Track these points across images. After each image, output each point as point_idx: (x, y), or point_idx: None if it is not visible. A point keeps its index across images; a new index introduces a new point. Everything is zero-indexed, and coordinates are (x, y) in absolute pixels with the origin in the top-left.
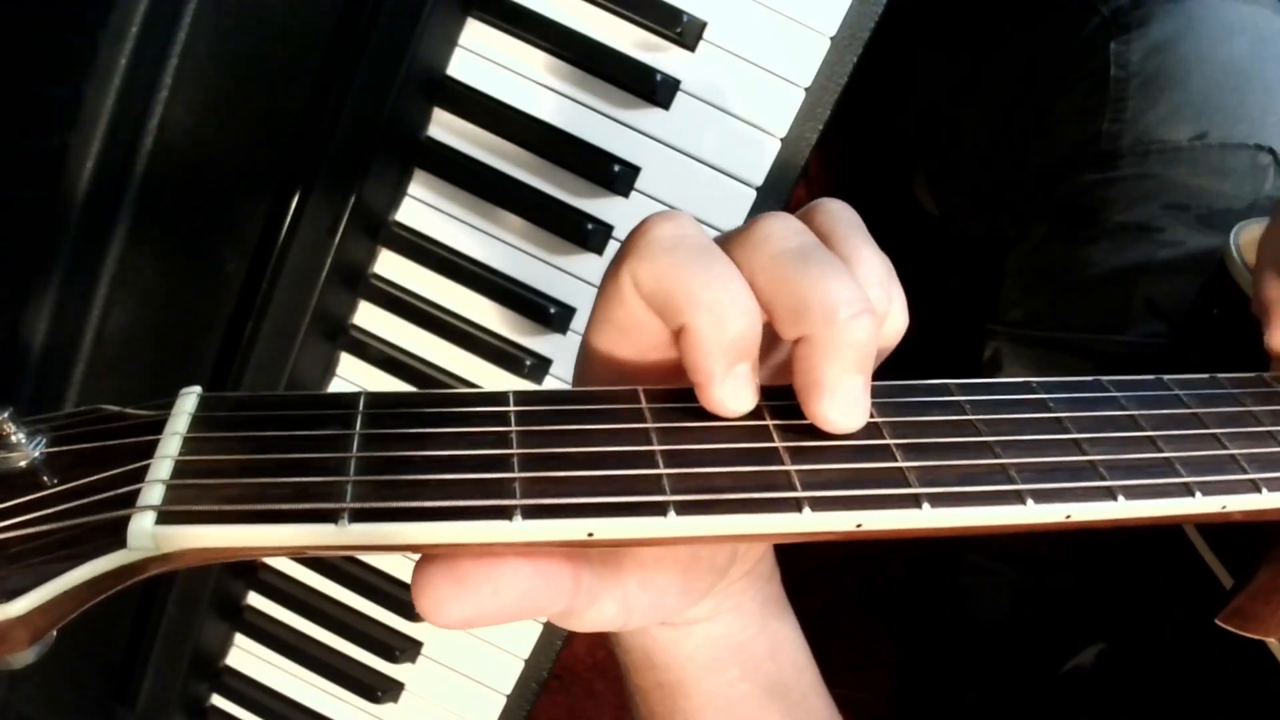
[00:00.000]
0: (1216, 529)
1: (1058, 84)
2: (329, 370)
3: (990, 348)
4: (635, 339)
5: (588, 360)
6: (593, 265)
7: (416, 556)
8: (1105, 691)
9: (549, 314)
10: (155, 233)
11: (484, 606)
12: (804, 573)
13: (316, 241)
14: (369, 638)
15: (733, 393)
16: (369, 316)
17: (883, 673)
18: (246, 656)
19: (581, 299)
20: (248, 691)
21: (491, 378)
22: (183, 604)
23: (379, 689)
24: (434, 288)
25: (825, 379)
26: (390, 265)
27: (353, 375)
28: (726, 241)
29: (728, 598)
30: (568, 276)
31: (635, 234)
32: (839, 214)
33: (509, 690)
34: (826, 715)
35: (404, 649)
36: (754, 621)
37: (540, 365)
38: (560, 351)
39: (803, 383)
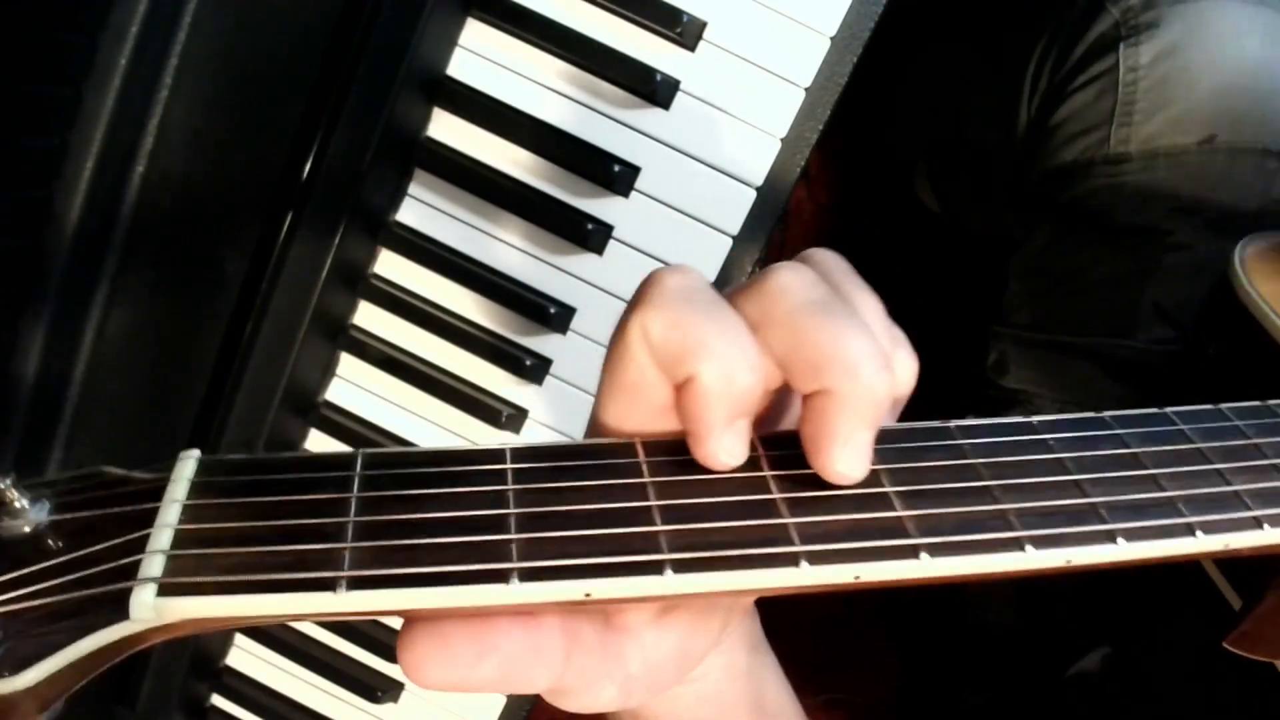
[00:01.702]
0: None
1: (1067, 85)
2: (329, 370)
3: (996, 350)
4: (643, 402)
5: (596, 435)
6: (593, 265)
7: None
8: (1110, 696)
9: (549, 314)
10: (155, 234)
11: (467, 673)
12: None
13: (316, 242)
14: (369, 638)
15: (728, 447)
16: (369, 316)
17: (885, 676)
18: (246, 656)
19: (581, 299)
20: (248, 691)
21: (491, 377)
22: None
23: (379, 689)
24: (434, 288)
25: (839, 432)
26: (390, 265)
27: (353, 375)
28: (736, 295)
29: (718, 654)
30: (568, 276)
31: (646, 285)
32: (835, 264)
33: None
34: None
35: None
36: (741, 674)
37: (540, 365)
38: (560, 351)
39: (814, 434)
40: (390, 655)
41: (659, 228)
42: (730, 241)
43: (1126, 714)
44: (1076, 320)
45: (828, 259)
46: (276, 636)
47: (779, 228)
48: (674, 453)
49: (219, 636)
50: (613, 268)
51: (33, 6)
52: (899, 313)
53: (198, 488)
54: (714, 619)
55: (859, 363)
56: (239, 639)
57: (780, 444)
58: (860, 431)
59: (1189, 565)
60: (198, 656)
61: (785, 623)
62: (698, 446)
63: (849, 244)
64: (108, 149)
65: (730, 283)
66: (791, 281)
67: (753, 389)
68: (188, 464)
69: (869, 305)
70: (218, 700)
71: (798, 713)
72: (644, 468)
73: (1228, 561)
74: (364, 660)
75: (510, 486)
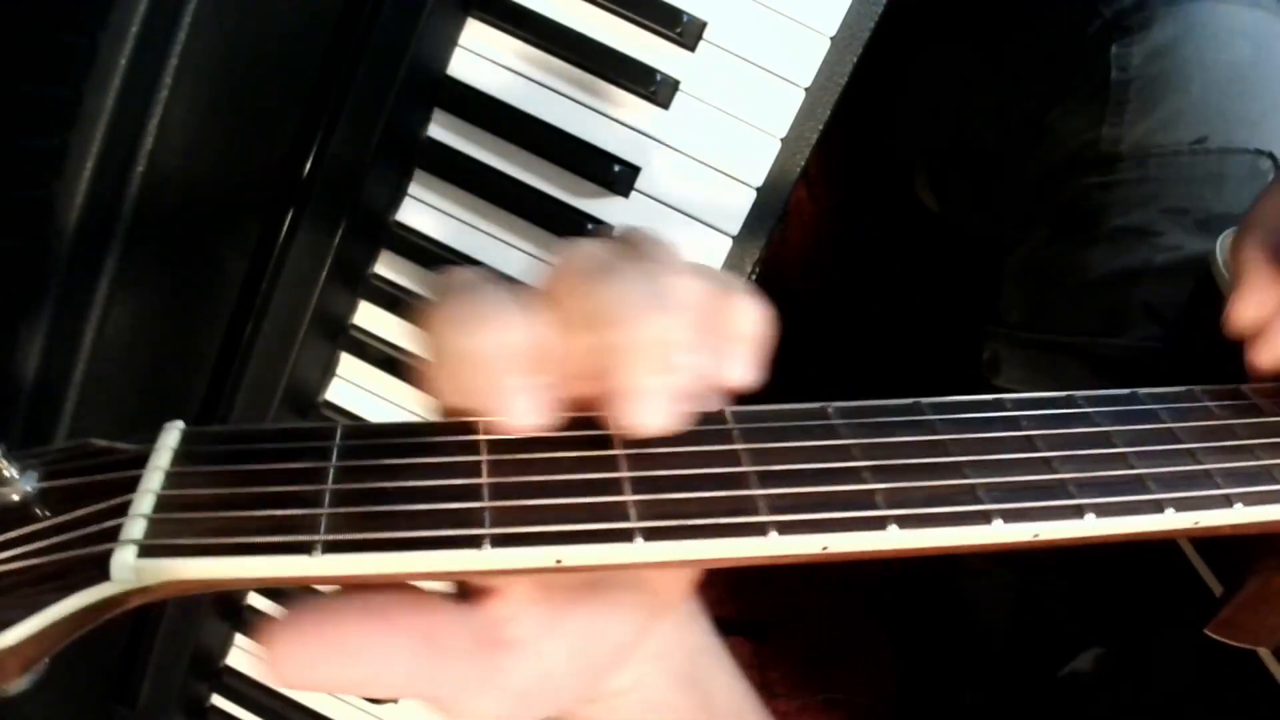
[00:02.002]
0: (1207, 538)
1: (1058, 86)
2: (329, 370)
3: (989, 349)
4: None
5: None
6: None
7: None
8: (1103, 696)
9: None
10: (155, 233)
11: (341, 668)
12: (803, 577)
13: (316, 241)
14: None
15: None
16: (369, 316)
17: (881, 674)
18: (246, 656)
19: None
20: (248, 691)
21: None
22: (183, 604)
23: None
24: None
25: (624, 387)
26: (390, 265)
27: (353, 375)
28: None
29: (654, 660)
30: None
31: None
32: (642, 235)
33: None
34: None
35: None
36: (684, 680)
37: None
38: None
39: (605, 390)
40: None
41: (659, 228)
42: (730, 241)
43: (1119, 714)
44: (1067, 320)
45: (635, 234)
46: None
47: (779, 228)
48: None
49: (219, 636)
50: None
51: (33, 6)
52: (899, 312)
53: (181, 456)
54: (616, 626)
55: (628, 307)
56: (239, 639)
57: (754, 418)
58: (645, 380)
59: (1179, 561)
60: (198, 656)
61: (785, 623)
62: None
63: (849, 244)
64: (108, 149)
65: None
66: (574, 252)
67: (515, 348)
68: (172, 434)
69: (667, 264)
70: (218, 700)
71: (756, 711)
72: (615, 440)
73: (1210, 546)
74: None
75: (485, 457)
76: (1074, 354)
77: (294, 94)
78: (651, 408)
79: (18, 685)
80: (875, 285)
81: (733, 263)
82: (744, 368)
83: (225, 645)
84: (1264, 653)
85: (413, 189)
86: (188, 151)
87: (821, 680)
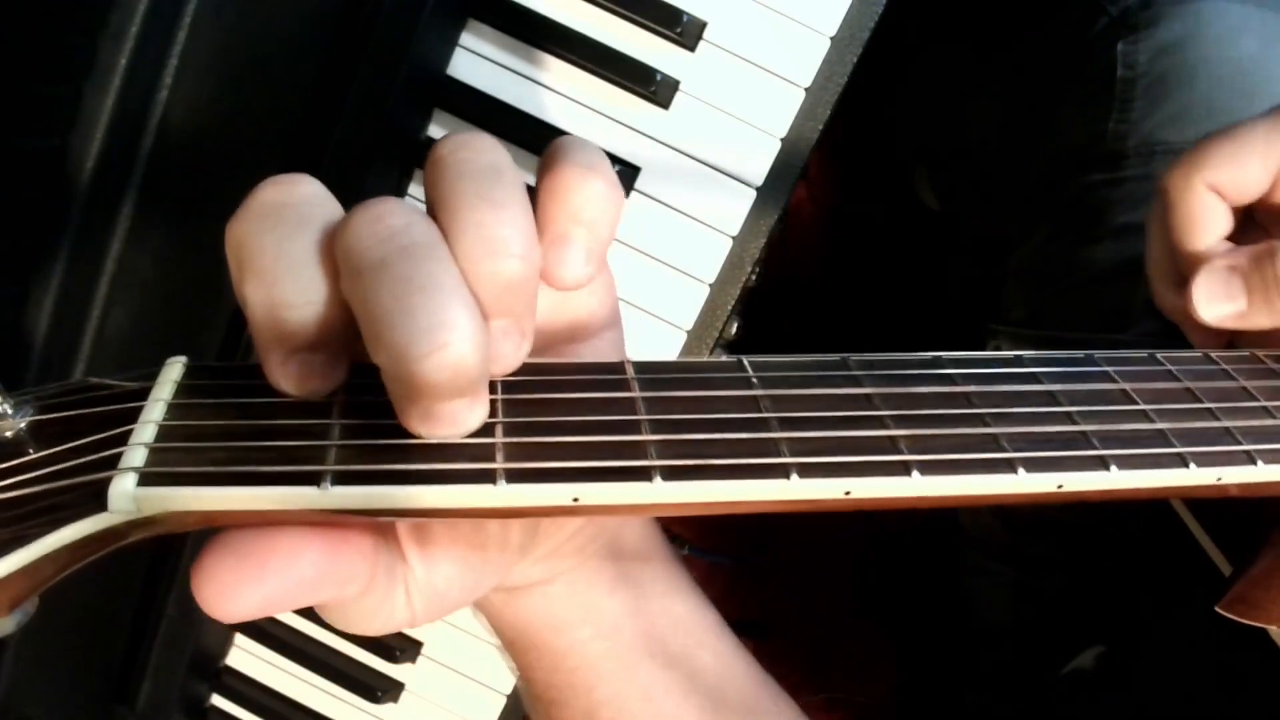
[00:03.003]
0: (1215, 516)
1: (1064, 84)
2: None
3: (991, 347)
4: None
5: None
6: None
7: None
8: (1105, 694)
9: None
10: (155, 233)
11: (277, 585)
12: (804, 576)
13: None
14: (369, 638)
15: (289, 374)
16: None
17: (883, 673)
18: (246, 656)
19: None
20: (248, 691)
21: None
22: (183, 604)
23: (379, 689)
24: None
25: (408, 415)
26: None
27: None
28: (339, 224)
29: (559, 560)
30: None
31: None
32: (442, 167)
33: (509, 690)
34: (715, 673)
35: (404, 649)
36: (601, 582)
37: None
38: None
39: (395, 404)
40: (390, 655)
41: (659, 227)
42: (730, 242)
43: (1121, 712)
44: (1069, 315)
45: (448, 156)
46: (276, 636)
47: (779, 228)
48: (665, 370)
49: (219, 636)
50: (614, 267)
51: (33, 6)
52: (899, 312)
53: (184, 389)
54: (510, 533)
55: (404, 345)
56: (239, 639)
57: (772, 367)
58: (435, 406)
59: (1183, 553)
60: (198, 656)
61: (785, 623)
62: (263, 366)
63: (849, 244)
64: (108, 149)
65: (731, 284)
66: (361, 228)
67: (304, 325)
68: (175, 368)
69: (475, 234)
70: (218, 700)
71: (708, 633)
72: (633, 383)
73: (1219, 524)
74: (364, 660)
75: (499, 396)
76: (1074, 348)
77: (294, 94)
78: (444, 422)
79: (4, 625)
80: (875, 285)
81: (733, 262)
82: (575, 262)
83: (225, 645)
84: (1275, 631)
85: (413, 189)
86: (187, 152)
87: (821, 680)
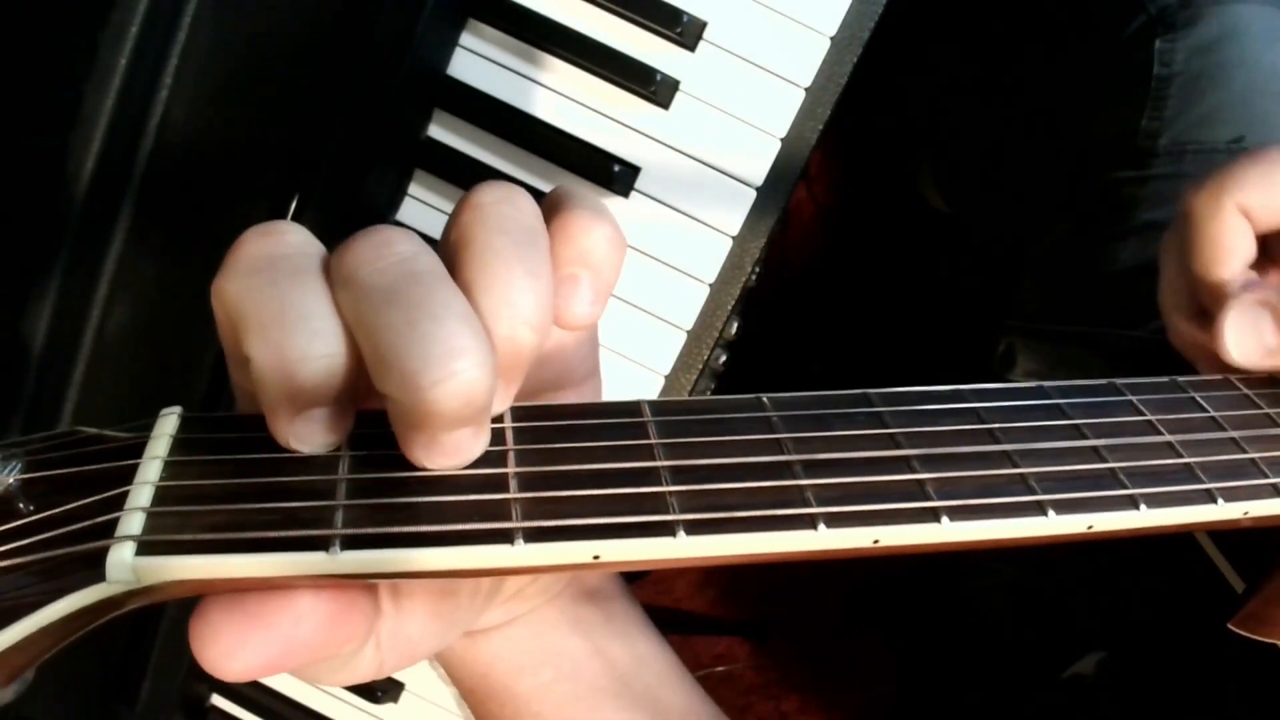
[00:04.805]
0: (1228, 533)
1: (1098, 80)
2: None
3: (1004, 342)
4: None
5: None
6: None
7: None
8: (1105, 700)
9: None
10: (155, 233)
11: (282, 648)
12: (804, 578)
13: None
14: None
15: (299, 434)
16: None
17: (882, 674)
18: None
19: None
20: (248, 691)
21: None
22: (183, 603)
23: (379, 689)
24: None
25: (411, 445)
26: None
27: None
28: (333, 257)
29: (521, 602)
30: None
31: (232, 245)
32: (483, 214)
33: None
34: (680, 710)
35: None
36: (563, 623)
37: None
38: None
39: (395, 430)
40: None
41: (659, 227)
42: (730, 242)
43: (1122, 718)
44: (1087, 310)
45: (483, 202)
46: None
47: (779, 228)
48: (683, 413)
49: None
50: None
51: (33, 6)
52: (900, 312)
53: (180, 444)
54: (478, 586)
55: (414, 373)
56: None
57: (793, 405)
58: (440, 435)
59: (1190, 560)
60: None
61: (785, 623)
62: (269, 426)
63: (850, 244)
64: (108, 149)
65: (731, 284)
66: (363, 256)
67: (317, 379)
68: (169, 420)
69: (493, 277)
70: (218, 700)
71: (668, 669)
72: (651, 428)
73: (1232, 540)
74: None
75: (511, 446)
76: (1090, 344)
77: (294, 94)
78: (449, 454)
79: (3, 695)
80: (876, 285)
81: (733, 262)
82: (585, 301)
83: None
84: None
85: (413, 189)
86: (187, 152)
87: (821, 680)
